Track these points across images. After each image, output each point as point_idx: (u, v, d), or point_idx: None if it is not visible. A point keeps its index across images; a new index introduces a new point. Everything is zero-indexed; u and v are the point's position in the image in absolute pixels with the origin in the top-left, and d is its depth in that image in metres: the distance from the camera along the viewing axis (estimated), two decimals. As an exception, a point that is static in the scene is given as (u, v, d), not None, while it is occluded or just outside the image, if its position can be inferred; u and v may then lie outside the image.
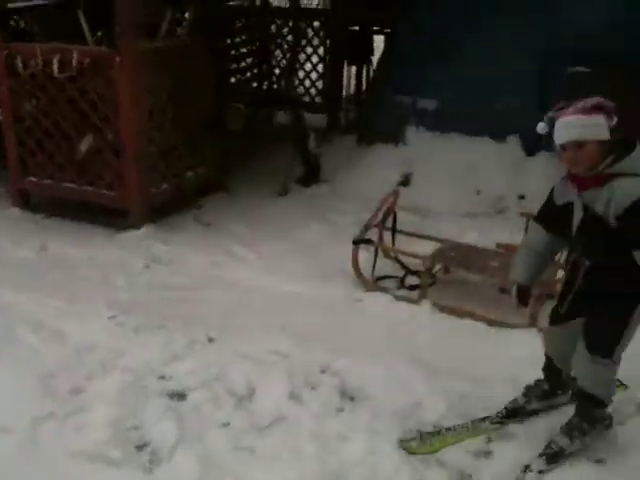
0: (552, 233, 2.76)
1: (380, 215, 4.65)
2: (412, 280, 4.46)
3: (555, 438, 2.82)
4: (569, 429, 2.83)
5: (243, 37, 7.90)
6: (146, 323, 3.80)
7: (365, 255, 4.50)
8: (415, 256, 4.37)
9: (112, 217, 5.25)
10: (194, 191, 5.74)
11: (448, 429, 3.03)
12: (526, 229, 4.20)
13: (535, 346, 3.67)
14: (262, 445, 2.93)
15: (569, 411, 2.96)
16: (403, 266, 4.57)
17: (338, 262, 4.58)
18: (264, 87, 8.30)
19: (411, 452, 2.89)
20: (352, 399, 3.27)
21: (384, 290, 4.35)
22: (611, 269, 2.54)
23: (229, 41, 7.60)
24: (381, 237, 4.71)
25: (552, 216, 2.73)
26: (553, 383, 3.10)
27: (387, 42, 7.25)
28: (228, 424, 3.05)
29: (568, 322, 2.81)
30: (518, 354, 3.62)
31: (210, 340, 3.71)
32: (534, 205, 5.37)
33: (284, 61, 8.19)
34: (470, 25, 6.07)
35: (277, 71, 8.33)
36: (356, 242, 4.44)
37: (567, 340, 2.83)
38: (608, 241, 2.49)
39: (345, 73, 8.03)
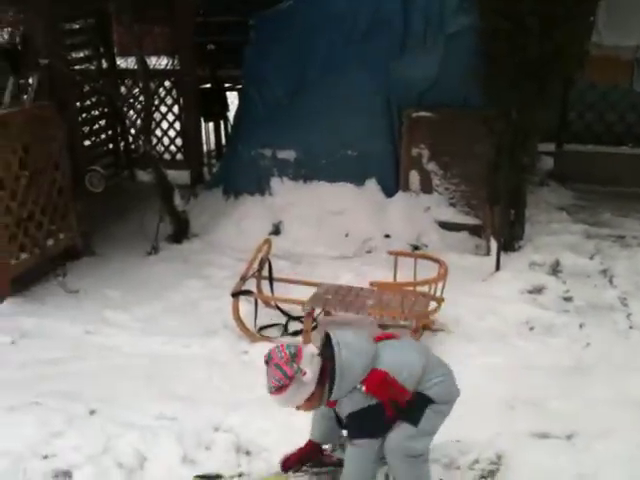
0: None
1: (255, 265, 4.69)
2: (295, 326, 4.51)
3: None
4: None
5: (93, 100, 7.74)
6: (19, 402, 3.53)
7: (246, 306, 4.49)
8: (295, 302, 4.43)
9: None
10: (58, 258, 5.48)
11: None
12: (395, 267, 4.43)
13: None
14: (160, 515, 2.82)
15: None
16: (284, 313, 4.62)
17: (219, 316, 4.55)
18: (121, 148, 8.15)
19: None
20: (248, 454, 3.23)
21: (269, 339, 4.36)
22: None
23: (79, 104, 7.43)
24: (259, 287, 4.74)
25: None
26: None
27: (241, 100, 7.41)
28: (121, 498, 2.91)
29: None
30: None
31: (92, 412, 3.52)
32: (399, 243, 5.74)
33: (139, 122, 8.10)
34: (320, 78, 6.37)
35: (133, 131, 8.21)
36: (235, 294, 4.43)
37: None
38: None
39: (203, 129, 8.10)
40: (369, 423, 2.62)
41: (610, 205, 6.69)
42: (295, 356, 2.56)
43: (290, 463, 3.01)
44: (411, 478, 2.70)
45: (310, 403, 2.66)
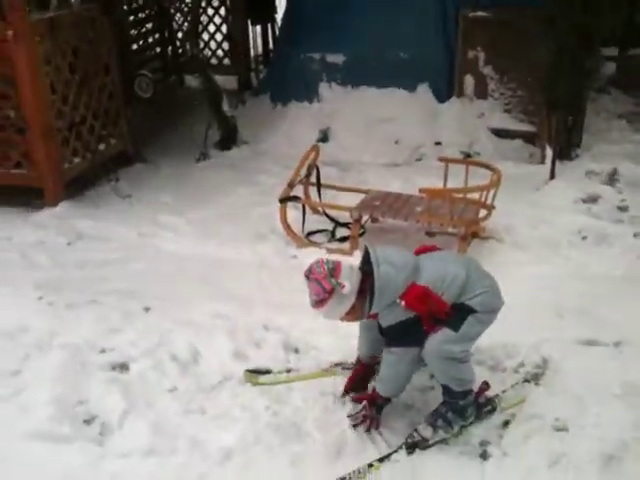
0: None
1: (303, 172, 4.66)
2: (342, 232, 4.52)
3: (419, 427, 2.77)
4: (433, 419, 2.78)
5: (139, 2, 7.61)
6: (77, 300, 3.68)
7: (294, 212, 4.52)
8: (342, 208, 4.42)
9: (26, 196, 5.01)
10: (110, 163, 5.55)
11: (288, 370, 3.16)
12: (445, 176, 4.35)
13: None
14: (212, 405, 2.94)
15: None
16: (332, 219, 4.62)
17: (268, 222, 4.59)
18: (169, 52, 8.07)
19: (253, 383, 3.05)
20: (297, 351, 3.32)
21: (316, 244, 4.39)
22: None
23: (126, 7, 7.32)
24: (307, 193, 4.73)
25: None
26: None
27: (289, 1, 7.18)
28: (176, 389, 3.04)
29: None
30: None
31: (147, 310, 3.65)
32: (450, 150, 5.62)
33: (186, 24, 7.95)
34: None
35: (180, 35, 8.10)
36: (282, 200, 4.44)
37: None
38: None
39: (250, 33, 7.92)
40: (407, 334, 2.67)
41: (675, 113, 6.37)
42: (333, 271, 2.61)
43: (348, 388, 3.02)
44: (451, 378, 2.73)
45: (352, 315, 2.71)
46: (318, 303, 2.63)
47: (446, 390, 2.76)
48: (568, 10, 4.79)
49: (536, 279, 3.86)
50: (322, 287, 2.60)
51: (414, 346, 2.68)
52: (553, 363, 3.17)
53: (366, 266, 2.66)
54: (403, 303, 2.59)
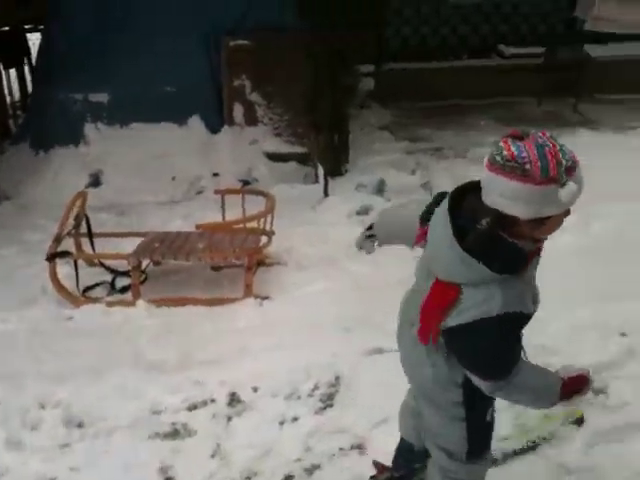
0: None
1: (70, 222, 4.34)
2: (124, 281, 4.26)
3: None
4: None
5: None
6: None
7: (66, 269, 4.18)
8: (118, 257, 4.18)
9: None
10: None
11: None
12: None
13: (254, 314, 3.86)
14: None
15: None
16: (110, 270, 4.35)
17: (37, 283, 4.19)
18: None
19: None
20: (81, 426, 3.03)
21: (95, 300, 4.10)
22: None
23: None
24: (79, 245, 4.41)
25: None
26: None
27: (43, 39, 6.76)
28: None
29: None
30: (242, 325, 3.75)
31: None
32: (228, 180, 5.60)
33: None
34: (128, 13, 5.94)
35: None
36: (50, 258, 4.07)
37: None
38: None
39: (4, 78, 7.34)
40: None
41: (430, 120, 6.93)
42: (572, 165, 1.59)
43: None
44: None
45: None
46: (523, 171, 1.56)
47: None
48: (321, 32, 5.00)
49: (320, 296, 3.93)
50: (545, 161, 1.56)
51: None
52: (345, 379, 3.22)
53: None
54: None
